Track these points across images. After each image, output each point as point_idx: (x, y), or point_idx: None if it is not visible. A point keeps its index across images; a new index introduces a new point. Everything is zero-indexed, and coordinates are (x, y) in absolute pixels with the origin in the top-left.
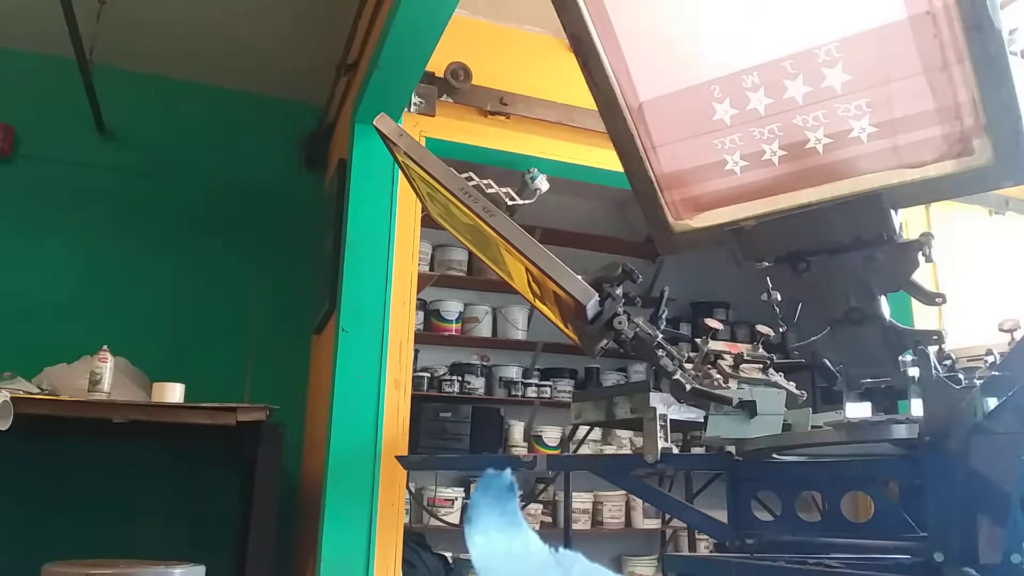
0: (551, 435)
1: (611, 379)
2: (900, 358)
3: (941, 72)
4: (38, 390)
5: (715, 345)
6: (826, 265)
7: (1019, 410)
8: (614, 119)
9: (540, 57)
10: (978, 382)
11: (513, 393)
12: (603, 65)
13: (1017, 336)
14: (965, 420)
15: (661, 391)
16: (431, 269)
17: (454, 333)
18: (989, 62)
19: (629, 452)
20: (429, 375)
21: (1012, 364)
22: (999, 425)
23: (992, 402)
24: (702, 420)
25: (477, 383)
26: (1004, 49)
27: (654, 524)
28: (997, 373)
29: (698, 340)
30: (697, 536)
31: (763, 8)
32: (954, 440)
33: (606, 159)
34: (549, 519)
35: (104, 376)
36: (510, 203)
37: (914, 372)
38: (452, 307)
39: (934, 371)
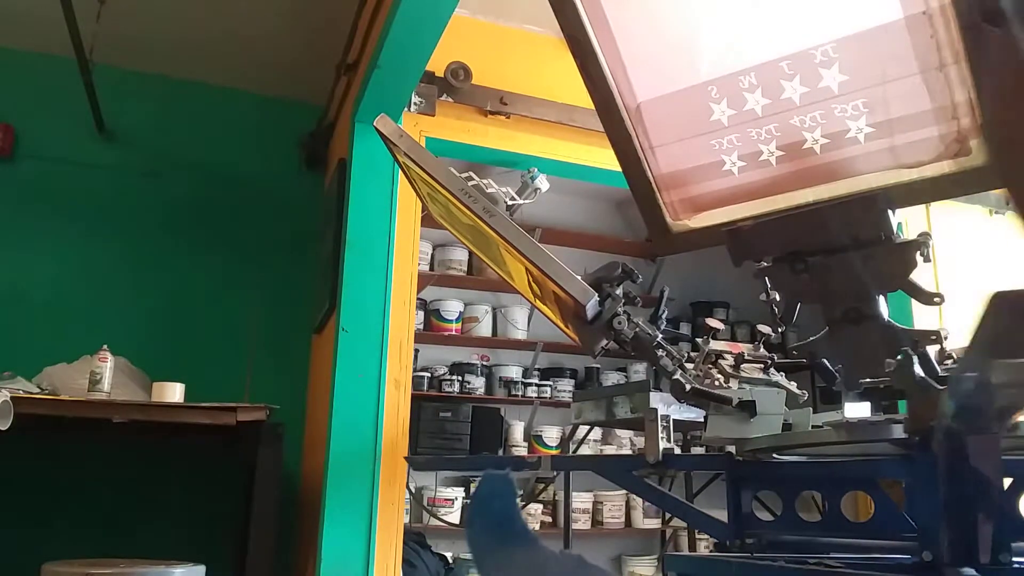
0: (551, 435)
1: (611, 379)
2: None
3: (938, 72)
4: (38, 390)
5: (716, 345)
6: (824, 265)
7: (979, 409)
8: (612, 120)
9: (540, 57)
10: None
11: (513, 393)
12: (600, 66)
13: None
14: (943, 420)
15: (661, 391)
16: (431, 269)
17: (454, 333)
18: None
19: (629, 452)
20: (429, 375)
21: (968, 364)
22: (964, 425)
23: None
24: (702, 420)
25: (477, 383)
26: None
27: (654, 524)
28: (959, 375)
29: (699, 340)
30: (697, 536)
31: (760, 9)
32: (935, 440)
33: (606, 159)
34: (549, 519)
35: (104, 376)
36: (510, 203)
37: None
38: (452, 307)
39: (916, 371)
